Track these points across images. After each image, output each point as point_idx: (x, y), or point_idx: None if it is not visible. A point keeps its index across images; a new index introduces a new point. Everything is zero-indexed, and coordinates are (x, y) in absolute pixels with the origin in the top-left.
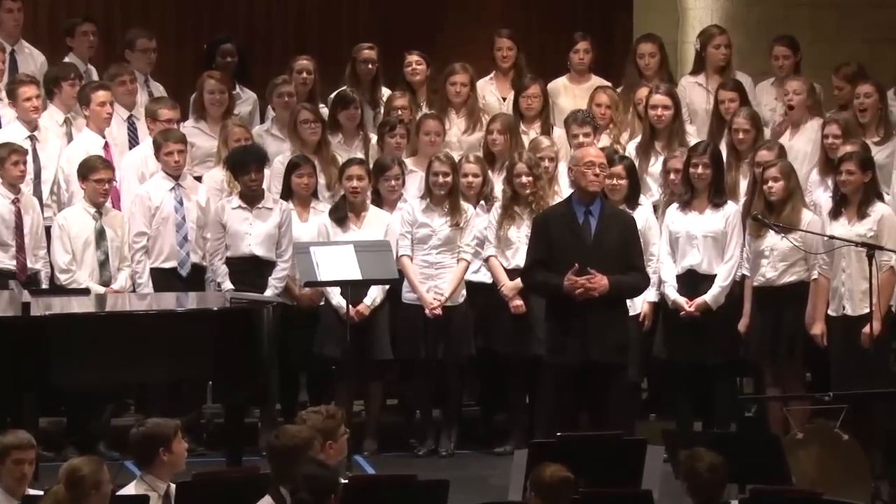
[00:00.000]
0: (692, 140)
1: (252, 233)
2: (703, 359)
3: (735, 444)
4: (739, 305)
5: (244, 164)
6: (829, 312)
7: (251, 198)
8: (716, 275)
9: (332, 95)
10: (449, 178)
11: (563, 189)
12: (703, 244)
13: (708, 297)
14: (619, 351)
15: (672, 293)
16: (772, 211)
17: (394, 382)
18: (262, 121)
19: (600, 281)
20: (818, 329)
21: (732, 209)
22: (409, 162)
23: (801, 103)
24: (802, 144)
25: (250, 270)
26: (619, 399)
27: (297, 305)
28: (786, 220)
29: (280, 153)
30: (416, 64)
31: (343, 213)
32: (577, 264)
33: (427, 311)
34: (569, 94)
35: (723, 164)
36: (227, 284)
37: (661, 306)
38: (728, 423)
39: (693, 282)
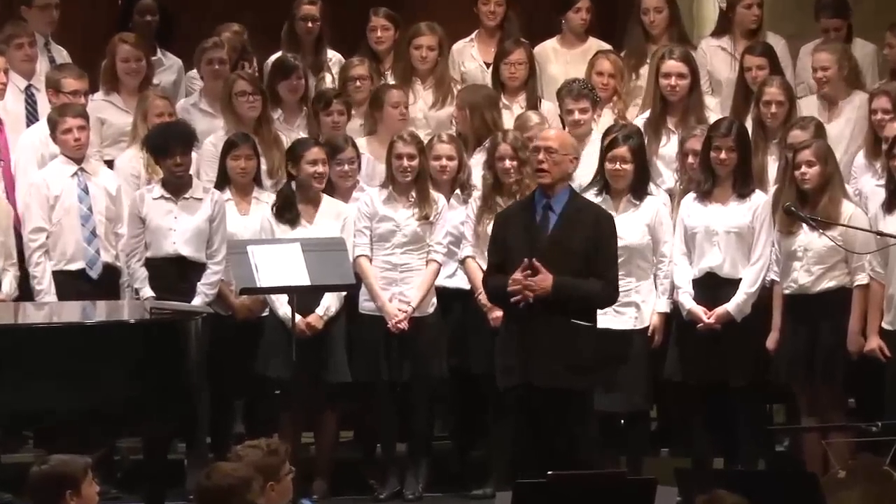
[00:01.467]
0: (712, 116)
1: (177, 228)
2: (724, 381)
3: (763, 485)
4: (768, 316)
5: (166, 145)
6: (883, 325)
7: (176, 186)
8: (740, 279)
9: (270, 61)
10: (415, 162)
11: None
12: (726, 242)
13: (730, 306)
14: (573, 373)
15: (687, 301)
16: (806, 202)
17: (350, 410)
18: (189, 92)
19: (542, 281)
20: (874, 342)
21: (761, 200)
22: (361, 143)
23: (832, 78)
24: (842, 125)
25: (175, 274)
26: (582, 435)
27: (232, 316)
28: (822, 212)
29: (211, 132)
30: (381, 30)
31: (294, 211)
32: (526, 259)
33: (390, 324)
34: (560, 59)
35: (750, 145)
36: (147, 291)
37: (674, 317)
38: (755, 458)
39: (713, 287)
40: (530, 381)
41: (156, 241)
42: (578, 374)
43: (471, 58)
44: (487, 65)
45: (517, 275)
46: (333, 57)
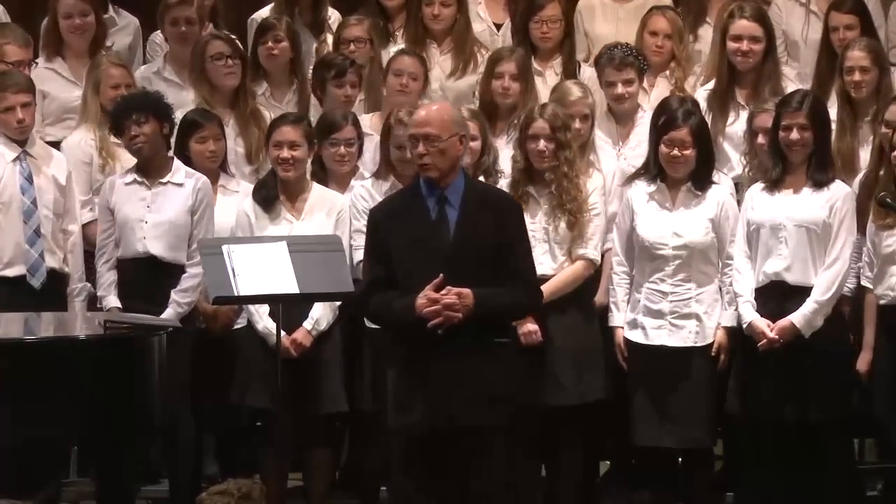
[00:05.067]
0: (790, 87)
1: (149, 220)
2: (800, 414)
3: None
4: (857, 332)
5: (118, 117)
6: None
7: (153, 169)
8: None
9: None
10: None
11: (604, 161)
12: (796, 239)
13: (796, 318)
14: (491, 406)
15: (748, 312)
16: None
17: (349, 445)
18: (147, 59)
19: (465, 298)
20: None
21: (842, 191)
22: (365, 121)
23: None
24: None
25: (146, 279)
26: (492, 480)
27: (206, 328)
28: None
29: (179, 106)
30: None
31: (273, 195)
32: (441, 275)
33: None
34: (609, 16)
35: (828, 123)
36: (112, 300)
37: (737, 336)
38: None
39: (780, 297)
40: (449, 419)
41: (125, 236)
42: (502, 408)
43: (478, 17)
44: (498, 26)
45: (430, 293)
46: (333, 15)
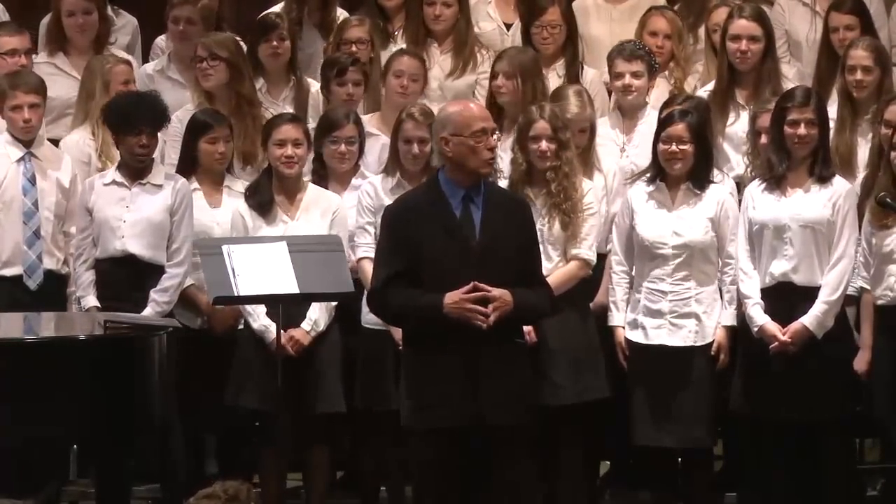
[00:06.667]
0: (791, 87)
1: (127, 219)
2: (802, 414)
3: None
4: (855, 332)
5: (132, 119)
6: None
7: (135, 170)
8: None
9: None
10: (428, 147)
11: (605, 161)
12: (801, 239)
13: (808, 320)
14: (518, 405)
15: (759, 315)
16: None
17: (348, 445)
18: (146, 59)
19: (504, 297)
20: None
21: (843, 187)
22: (367, 120)
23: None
24: None
25: (125, 279)
26: (524, 482)
27: (208, 330)
28: None
29: (180, 105)
30: None
31: (268, 198)
32: (473, 283)
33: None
34: (603, 17)
35: (827, 119)
36: (90, 300)
37: (740, 337)
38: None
39: (787, 299)
40: (480, 418)
41: (103, 236)
42: (531, 407)
43: (487, 17)
44: (507, 26)
45: (461, 295)
46: (342, 16)
